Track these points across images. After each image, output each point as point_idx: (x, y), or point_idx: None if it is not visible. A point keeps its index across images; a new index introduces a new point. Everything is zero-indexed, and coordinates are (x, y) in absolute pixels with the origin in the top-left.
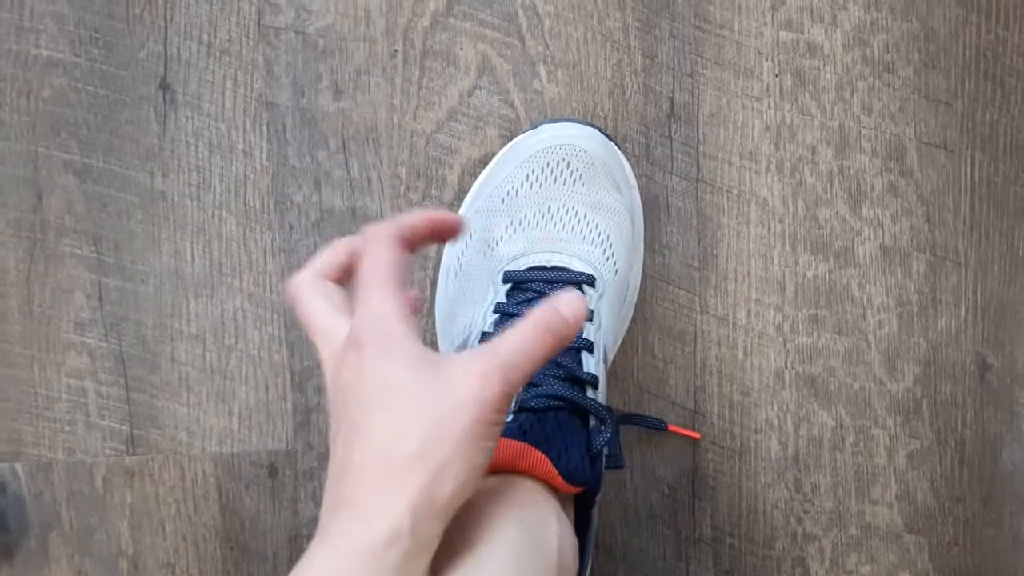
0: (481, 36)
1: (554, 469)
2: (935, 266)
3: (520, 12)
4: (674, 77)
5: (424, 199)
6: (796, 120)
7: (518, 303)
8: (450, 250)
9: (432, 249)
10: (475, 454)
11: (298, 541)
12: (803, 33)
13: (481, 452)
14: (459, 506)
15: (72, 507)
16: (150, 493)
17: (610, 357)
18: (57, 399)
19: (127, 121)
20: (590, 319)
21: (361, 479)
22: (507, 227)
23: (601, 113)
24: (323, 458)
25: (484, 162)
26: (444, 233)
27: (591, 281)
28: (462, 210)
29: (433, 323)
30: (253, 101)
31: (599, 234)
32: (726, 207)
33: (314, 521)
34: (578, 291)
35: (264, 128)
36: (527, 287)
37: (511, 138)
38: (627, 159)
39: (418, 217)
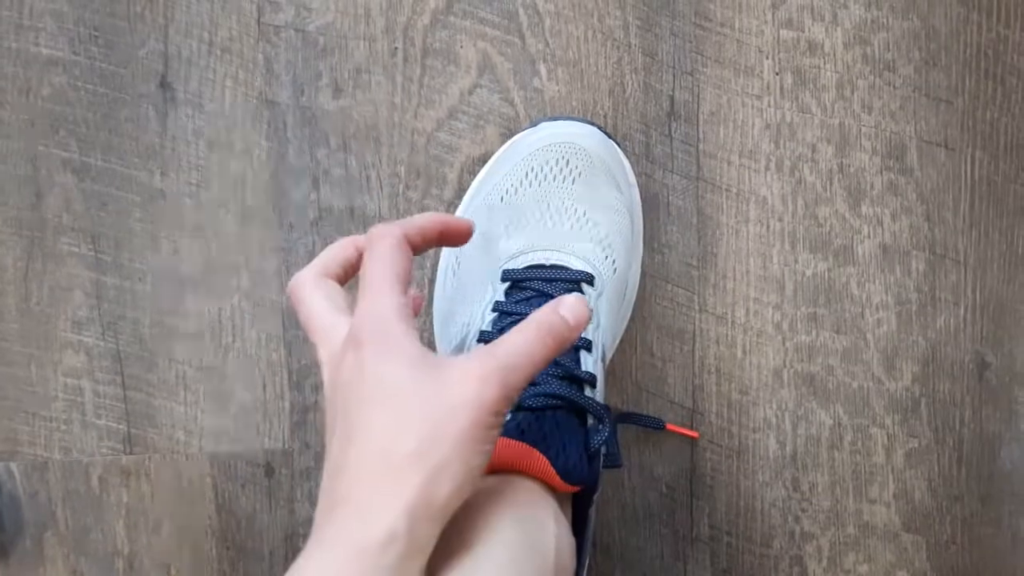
0: (481, 34)
1: (552, 468)
2: (934, 264)
3: (520, 10)
4: (674, 75)
5: (424, 197)
6: (796, 118)
7: (517, 302)
8: (449, 249)
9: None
10: (473, 456)
11: (294, 540)
12: (804, 31)
13: (479, 454)
14: (456, 508)
15: (68, 506)
16: (146, 492)
17: (608, 356)
18: (54, 398)
19: (127, 119)
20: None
21: (357, 477)
22: (506, 225)
23: (601, 111)
24: (320, 457)
25: (484, 160)
26: (453, 238)
27: (590, 279)
28: (461, 208)
29: (431, 322)
30: (253, 99)
31: (598, 232)
32: (725, 205)
33: (310, 520)
34: (581, 294)
35: (264, 126)
36: (526, 286)
37: (511, 136)
38: (627, 157)
39: (428, 219)
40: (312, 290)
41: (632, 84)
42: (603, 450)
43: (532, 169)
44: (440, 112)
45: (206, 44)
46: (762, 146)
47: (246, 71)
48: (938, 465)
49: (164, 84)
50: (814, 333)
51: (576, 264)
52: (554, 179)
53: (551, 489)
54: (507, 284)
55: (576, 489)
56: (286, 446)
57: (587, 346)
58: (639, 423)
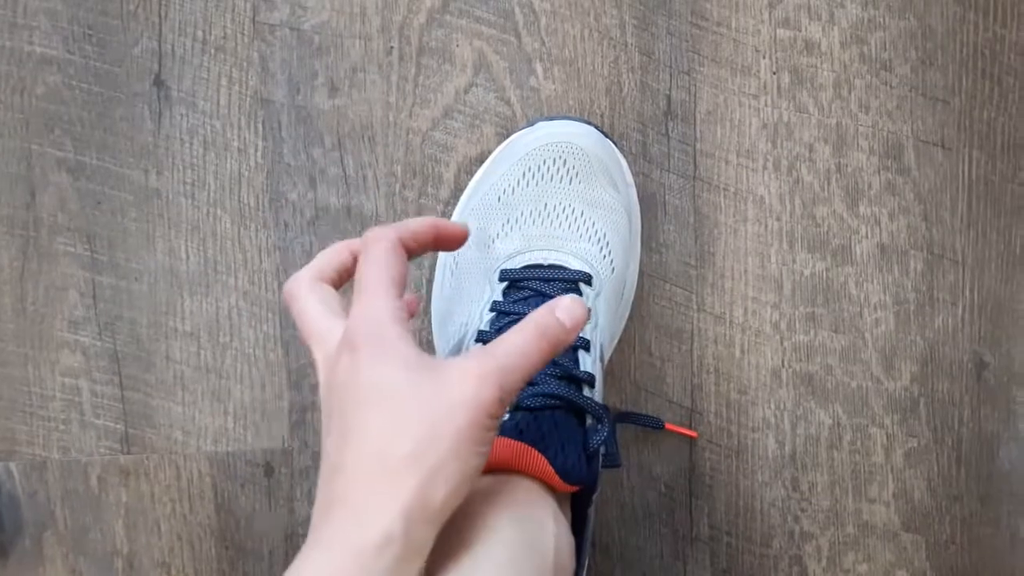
0: (477, 33)
1: (551, 468)
2: (932, 264)
3: (516, 9)
4: (671, 75)
5: (420, 197)
6: (793, 118)
7: (514, 301)
8: None
9: None
10: (470, 457)
11: (294, 540)
12: (800, 31)
13: (476, 455)
14: (452, 510)
15: (67, 506)
16: (145, 492)
17: (607, 355)
18: (51, 398)
19: (121, 118)
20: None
21: (354, 479)
22: (503, 225)
23: (598, 111)
24: (318, 457)
25: (480, 160)
26: (447, 242)
27: (588, 279)
28: (458, 208)
29: (429, 321)
30: (248, 98)
31: (596, 232)
32: (723, 205)
33: (309, 520)
34: (577, 295)
35: (259, 125)
36: (523, 285)
37: (507, 136)
38: (624, 157)
39: (422, 224)
40: (307, 293)
41: (629, 83)
42: (602, 450)
43: (529, 169)
44: (436, 111)
45: (200, 43)
46: (759, 145)
47: (241, 70)
48: (937, 465)
49: (158, 83)
50: (812, 333)
51: (574, 264)
52: (551, 179)
53: (550, 489)
54: (505, 284)
55: (575, 489)
56: (285, 445)
57: (585, 346)
58: (638, 423)
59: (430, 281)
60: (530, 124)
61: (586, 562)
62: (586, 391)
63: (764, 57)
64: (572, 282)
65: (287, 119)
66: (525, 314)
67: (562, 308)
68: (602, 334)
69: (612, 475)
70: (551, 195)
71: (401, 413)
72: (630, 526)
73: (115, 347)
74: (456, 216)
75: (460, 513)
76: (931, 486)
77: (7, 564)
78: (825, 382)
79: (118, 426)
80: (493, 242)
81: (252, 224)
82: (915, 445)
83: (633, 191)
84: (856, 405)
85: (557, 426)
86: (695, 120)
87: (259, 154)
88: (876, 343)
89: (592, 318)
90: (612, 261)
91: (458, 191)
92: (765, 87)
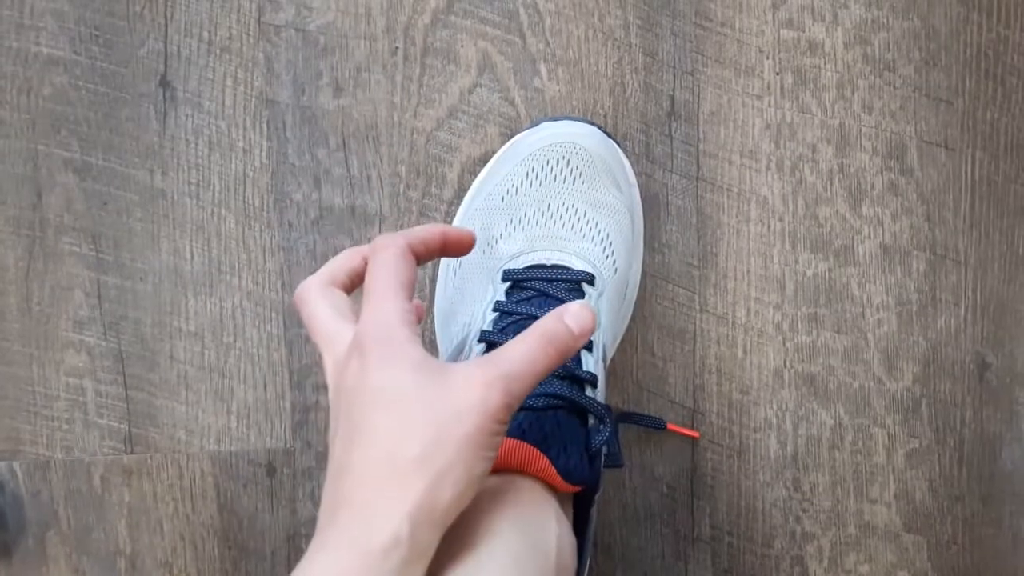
0: (482, 33)
1: (553, 468)
2: (935, 265)
3: (521, 10)
4: (675, 75)
5: (424, 197)
6: (796, 118)
7: (517, 301)
8: None
9: None
10: (476, 462)
11: (296, 540)
12: (804, 31)
13: (482, 460)
14: (458, 513)
15: (70, 506)
16: (148, 492)
17: (609, 355)
18: (55, 397)
19: (127, 119)
20: None
21: (361, 481)
22: (507, 225)
23: (601, 111)
24: (322, 457)
25: (484, 160)
26: (454, 248)
27: (591, 279)
28: (462, 208)
29: (432, 321)
30: (253, 98)
31: (599, 232)
32: (726, 205)
33: (312, 520)
34: (585, 301)
35: (264, 126)
36: (527, 285)
37: (511, 136)
38: (627, 157)
39: (431, 230)
40: (318, 297)
41: (632, 84)
42: (604, 450)
43: (533, 169)
44: (440, 111)
45: (206, 43)
46: (762, 146)
47: (246, 70)
48: (939, 465)
49: (164, 83)
50: (815, 333)
51: (577, 264)
52: (555, 179)
53: (552, 489)
54: (508, 284)
55: (577, 489)
56: (288, 445)
57: (588, 346)
58: (640, 423)
59: (433, 281)
60: (534, 124)
61: (588, 562)
62: (588, 391)
63: (768, 58)
64: (575, 282)
65: (292, 119)
66: (528, 314)
67: (571, 314)
68: (604, 334)
69: (614, 475)
70: (554, 195)
71: (409, 416)
72: (632, 526)
73: (119, 347)
74: (460, 216)
75: (463, 513)
76: (933, 487)
77: (11, 563)
78: (827, 383)
79: (122, 426)
80: (496, 242)
81: (256, 224)
82: (917, 446)
83: (636, 191)
84: (858, 405)
85: (559, 426)
86: (698, 121)
87: (264, 154)
88: (878, 344)
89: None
90: (615, 261)
91: (462, 191)
92: (768, 88)
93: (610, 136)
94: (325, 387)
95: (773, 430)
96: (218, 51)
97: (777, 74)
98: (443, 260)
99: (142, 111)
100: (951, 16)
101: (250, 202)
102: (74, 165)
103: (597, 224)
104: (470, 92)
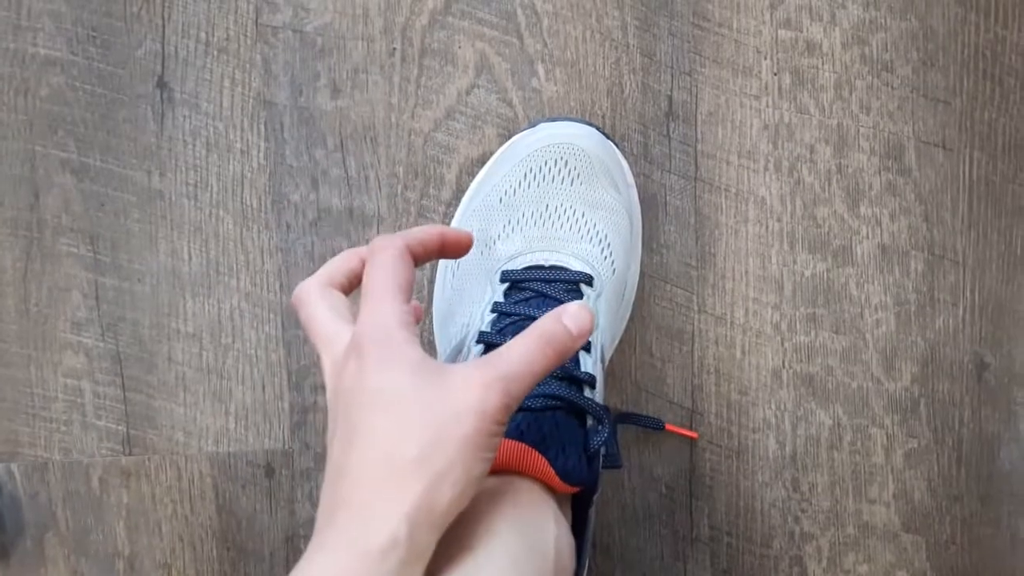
0: (479, 34)
1: (551, 469)
2: (933, 265)
3: (519, 10)
4: (672, 76)
5: (422, 198)
6: (794, 119)
7: (516, 302)
8: None
9: None
10: (474, 464)
11: (295, 541)
12: (802, 31)
13: (481, 461)
14: (456, 515)
15: (68, 507)
16: (146, 493)
17: (608, 356)
18: (53, 399)
19: (124, 120)
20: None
21: (359, 482)
22: (505, 226)
23: (599, 112)
24: (320, 458)
25: (482, 161)
26: (452, 249)
27: (589, 280)
28: (460, 209)
29: (430, 322)
30: (251, 100)
31: (597, 233)
32: (724, 206)
33: (311, 521)
34: (584, 302)
35: (262, 127)
36: (525, 286)
37: (509, 137)
38: (625, 158)
39: (429, 231)
40: (317, 299)
41: (630, 84)
42: (602, 451)
43: (531, 170)
44: (438, 113)
45: (203, 44)
46: (760, 146)
47: (243, 71)
48: (937, 465)
49: (161, 84)
50: (813, 334)
51: (575, 265)
52: (552, 180)
53: (551, 490)
54: (506, 285)
55: (576, 490)
56: (286, 447)
57: (586, 347)
58: (638, 423)
59: (431, 282)
60: (532, 125)
61: (586, 563)
62: (587, 392)
63: (765, 58)
64: (573, 283)
65: (289, 120)
66: (526, 315)
67: (569, 315)
68: (603, 335)
69: (613, 476)
70: (552, 196)
71: (407, 417)
72: (631, 527)
73: (117, 348)
74: (458, 217)
75: (461, 514)
76: (931, 487)
77: (9, 565)
78: (826, 383)
79: (120, 427)
80: (494, 243)
81: (254, 225)
82: (915, 446)
83: (634, 192)
84: (856, 406)
85: (558, 427)
86: (696, 121)
87: (261, 155)
88: (877, 344)
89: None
90: (613, 262)
91: (460, 192)
92: (766, 88)
93: (608, 137)
94: (323, 388)
95: (772, 430)
96: (215, 52)
97: (775, 74)
98: (441, 262)
99: (139, 112)
100: (949, 16)
101: (248, 203)
102: (71, 166)
103: (595, 225)
104: (468, 93)
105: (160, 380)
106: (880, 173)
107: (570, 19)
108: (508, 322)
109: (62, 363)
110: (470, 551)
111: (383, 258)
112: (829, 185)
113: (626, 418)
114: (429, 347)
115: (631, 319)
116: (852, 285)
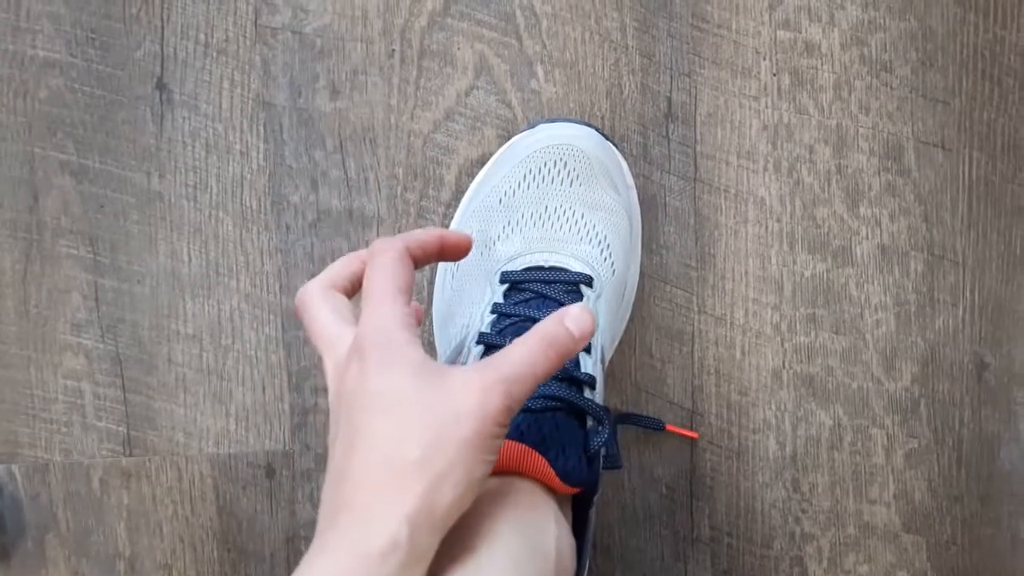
0: (478, 36)
1: (551, 470)
2: (933, 265)
3: (518, 12)
4: (672, 77)
5: (421, 199)
6: (794, 119)
7: (515, 303)
8: None
9: None
10: (475, 466)
11: (295, 542)
12: (801, 32)
13: (482, 463)
14: (457, 516)
15: (69, 508)
16: (147, 494)
17: (608, 357)
18: (54, 400)
19: (123, 121)
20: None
21: (360, 484)
22: (504, 227)
23: (599, 113)
24: (320, 459)
25: (481, 162)
26: (452, 251)
27: (588, 281)
28: (459, 210)
29: (430, 323)
30: (250, 101)
31: (596, 234)
32: (724, 207)
33: (311, 522)
34: (585, 304)
35: (261, 128)
36: (524, 287)
37: (508, 138)
38: (624, 159)
39: (429, 234)
40: (319, 302)
41: (629, 85)
42: (603, 451)
43: (530, 171)
44: (437, 114)
45: (202, 46)
46: (760, 147)
47: (242, 73)
48: (938, 465)
49: (160, 86)
50: (813, 334)
51: (575, 266)
52: (552, 181)
53: (551, 491)
54: (506, 286)
55: (576, 491)
56: (286, 448)
57: (586, 348)
58: (639, 424)
59: (431, 283)
60: (531, 126)
61: (587, 564)
62: (587, 393)
63: (764, 59)
64: (573, 284)
65: (289, 122)
66: (526, 316)
67: (571, 317)
68: (603, 336)
69: (613, 477)
70: (552, 197)
71: (408, 419)
72: (631, 527)
73: (117, 349)
74: (457, 218)
75: (462, 516)
76: (932, 487)
77: (9, 566)
78: (826, 383)
79: (120, 428)
80: (494, 244)
81: (254, 227)
82: (916, 446)
83: (634, 193)
84: (857, 406)
85: (558, 428)
86: (695, 122)
87: (261, 157)
88: (877, 344)
89: None
90: (613, 263)
91: (459, 193)
92: (765, 89)
93: (607, 138)
94: (324, 389)
95: (772, 431)
96: (215, 54)
97: (774, 75)
98: (440, 263)
99: (139, 114)
100: (948, 17)
101: (247, 204)
102: (71, 168)
103: (595, 226)
104: (467, 94)
105: (160, 381)
106: (879, 173)
107: (569, 20)
108: (508, 323)
109: (62, 364)
110: (471, 552)
111: (383, 261)
112: (828, 185)
113: (626, 419)
114: (429, 348)
115: (631, 320)
116: (852, 285)
